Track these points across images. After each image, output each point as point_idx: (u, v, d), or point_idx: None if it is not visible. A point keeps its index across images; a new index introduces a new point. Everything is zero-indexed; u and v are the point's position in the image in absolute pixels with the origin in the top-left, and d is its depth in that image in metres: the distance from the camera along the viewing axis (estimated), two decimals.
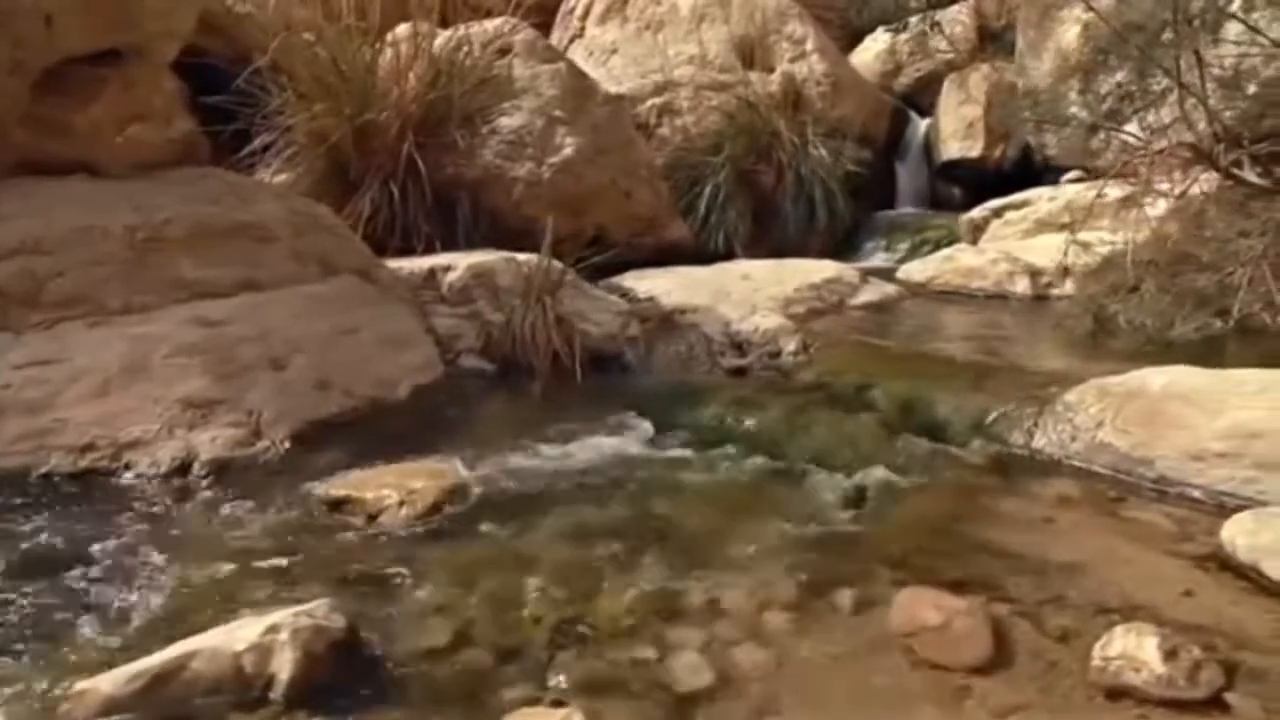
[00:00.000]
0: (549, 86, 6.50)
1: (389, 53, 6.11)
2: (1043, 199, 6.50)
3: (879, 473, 3.00)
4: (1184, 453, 2.72)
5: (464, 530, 2.65)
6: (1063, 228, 5.92)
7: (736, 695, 1.83)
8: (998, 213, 6.69)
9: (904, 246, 7.40)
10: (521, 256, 4.82)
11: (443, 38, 6.35)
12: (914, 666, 1.92)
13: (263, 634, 1.74)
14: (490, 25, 6.53)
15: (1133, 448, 2.84)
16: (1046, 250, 5.43)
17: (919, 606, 2.05)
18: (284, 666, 1.72)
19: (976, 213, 6.85)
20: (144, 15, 4.15)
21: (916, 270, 5.96)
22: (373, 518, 2.74)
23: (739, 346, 4.33)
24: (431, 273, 5.07)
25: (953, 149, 8.02)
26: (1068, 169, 6.92)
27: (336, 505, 2.80)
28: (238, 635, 1.76)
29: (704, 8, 8.21)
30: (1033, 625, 2.05)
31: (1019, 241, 6.27)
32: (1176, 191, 4.21)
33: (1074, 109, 4.60)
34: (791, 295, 4.94)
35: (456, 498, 2.85)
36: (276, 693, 1.72)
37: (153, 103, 5.86)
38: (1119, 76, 4.25)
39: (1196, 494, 2.67)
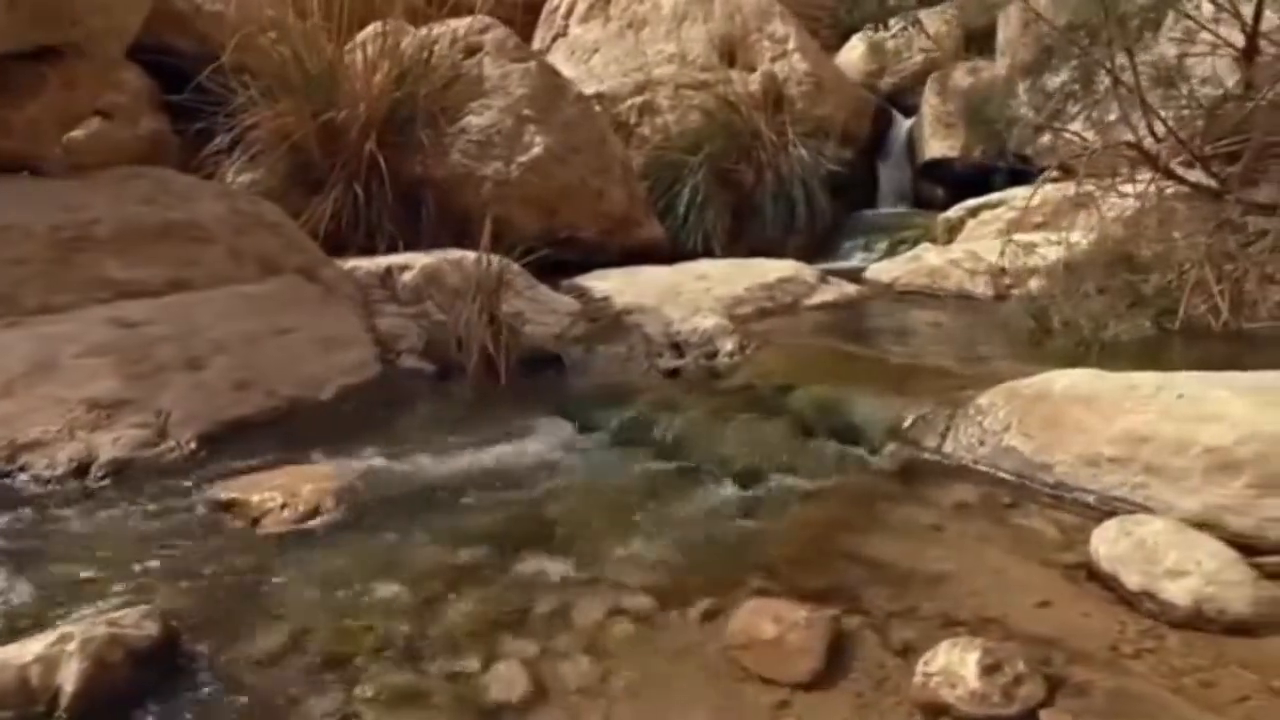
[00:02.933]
0: (519, 85, 6.46)
1: (357, 52, 6.09)
2: (1017, 199, 6.40)
3: (780, 478, 2.96)
4: (1080, 457, 2.66)
5: (341, 533, 2.62)
6: (1037, 227, 5.84)
7: (544, 709, 1.79)
8: (973, 212, 6.61)
9: (883, 246, 7.32)
10: (474, 256, 4.76)
11: (411, 37, 6.31)
12: (740, 680, 1.86)
13: (51, 645, 1.71)
14: (460, 24, 6.49)
15: (1034, 452, 2.78)
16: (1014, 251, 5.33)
17: (757, 618, 1.99)
18: (69, 679, 1.68)
19: (952, 212, 6.78)
20: (81, 11, 4.12)
21: (883, 270, 5.89)
22: (255, 521, 2.70)
23: (677, 347, 4.28)
24: (388, 272, 5.06)
25: (934, 148, 7.93)
26: (1046, 168, 6.81)
27: (222, 508, 2.77)
28: (28, 647, 1.72)
29: (686, 7, 8.16)
30: (878, 638, 1.99)
31: (992, 241, 6.18)
32: (1120, 192, 4.12)
33: (1022, 108, 4.52)
34: (742, 295, 4.88)
35: (343, 500, 2.81)
36: (62, 706, 1.67)
37: (115, 101, 5.91)
38: (1063, 76, 4.17)
39: (1091, 500, 2.60)
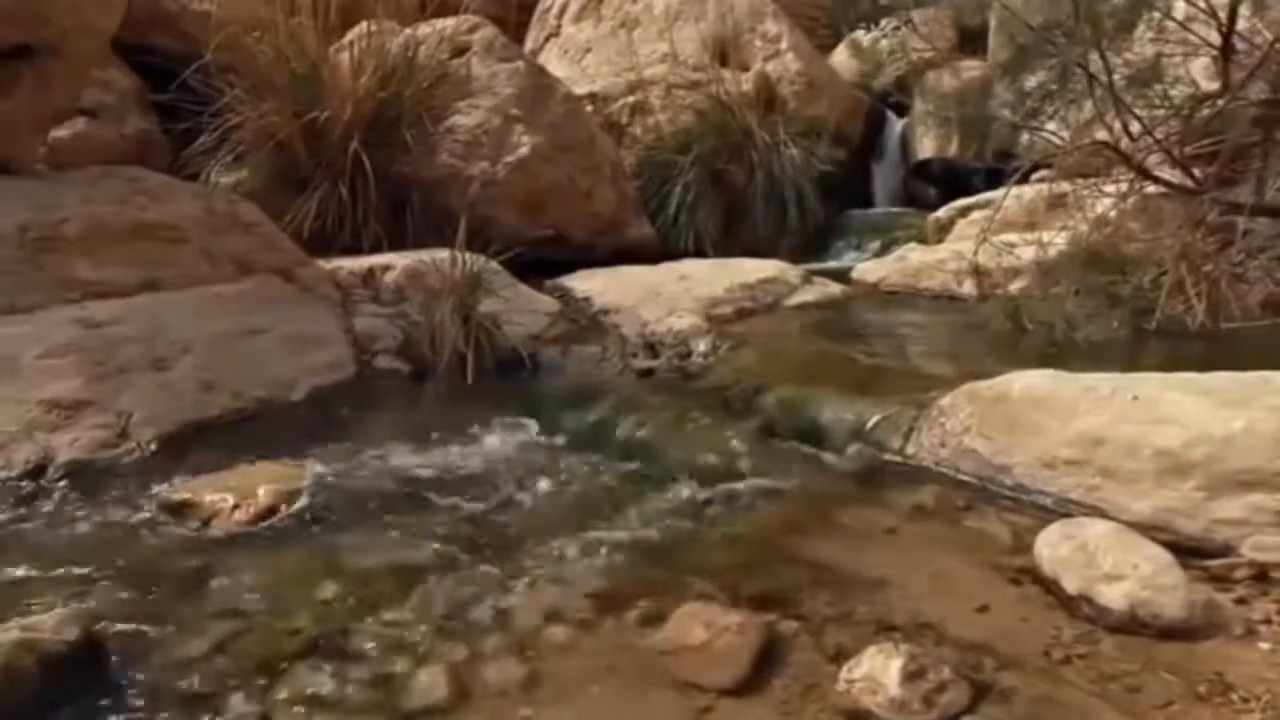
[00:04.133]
0: (507, 85, 6.44)
1: (344, 51, 6.08)
2: (1007, 198, 6.34)
3: (739, 481, 2.94)
4: (1037, 459, 2.63)
5: (290, 535, 2.60)
6: (1026, 227, 5.79)
7: (461, 714, 1.76)
8: (963, 212, 6.56)
9: (875, 246, 7.28)
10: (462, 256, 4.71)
11: (398, 36, 6.30)
12: (666, 687, 1.84)
13: None
14: (447, 23, 6.47)
15: (993, 454, 2.75)
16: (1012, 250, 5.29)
17: (689, 624, 1.97)
18: None
19: (943, 212, 6.74)
20: (52, 10, 4.11)
21: (869, 271, 5.86)
22: (206, 522, 2.69)
23: (651, 348, 4.25)
24: (371, 272, 5.04)
25: (927, 148, 7.89)
26: (1039, 168, 6.76)
27: (175, 509, 2.75)
28: None
29: (679, 6, 8.13)
30: (813, 643, 1.96)
31: (995, 240, 6.13)
32: (1102, 191, 4.09)
33: (1000, 108, 4.48)
34: (720, 296, 4.85)
35: (297, 502, 2.79)
36: None
37: (102, 100, 5.91)
38: (1040, 75, 4.13)
39: (1048, 502, 2.58)
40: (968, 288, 5.20)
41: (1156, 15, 3.90)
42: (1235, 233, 3.84)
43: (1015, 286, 5.06)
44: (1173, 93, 3.99)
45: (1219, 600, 1.97)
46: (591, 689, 1.85)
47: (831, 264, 7.04)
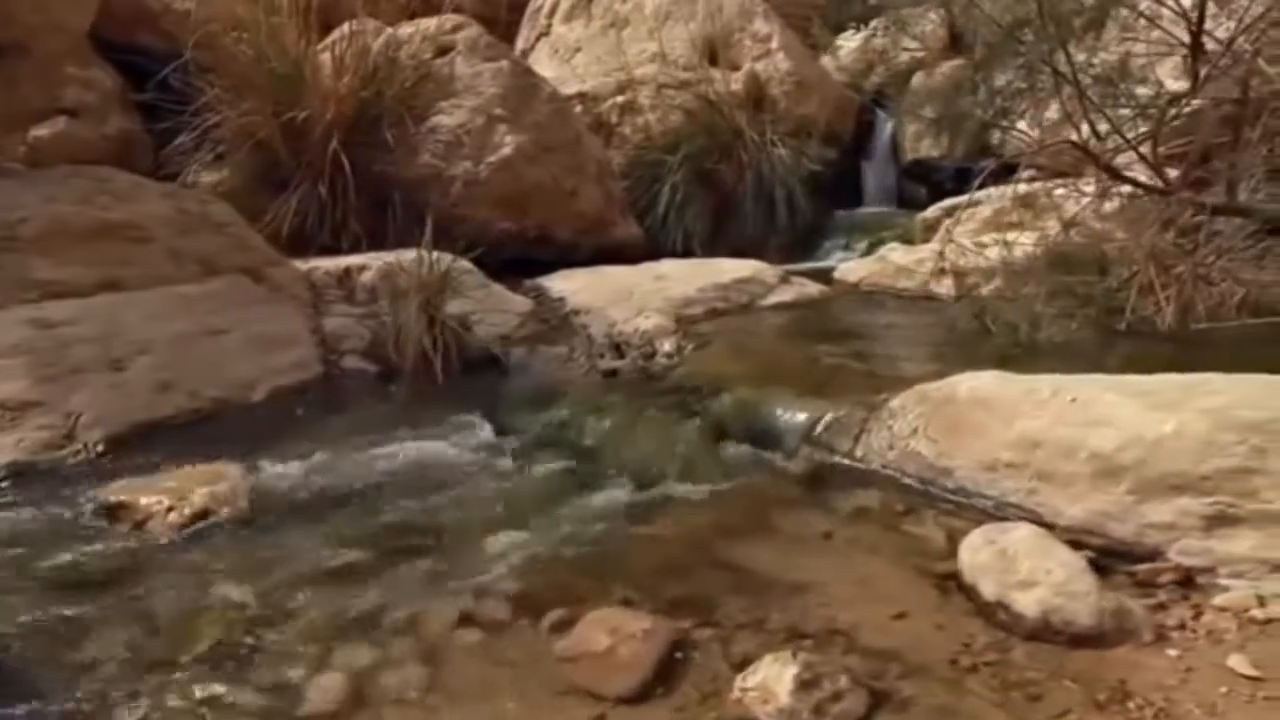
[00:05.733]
0: (491, 85, 6.41)
1: (326, 51, 6.06)
2: (992, 198, 6.29)
3: (683, 483, 2.92)
4: (978, 462, 2.59)
5: (222, 537, 2.59)
6: (1010, 226, 5.74)
7: None
8: (949, 212, 6.49)
9: (864, 245, 7.22)
10: (436, 256, 4.66)
11: (382, 36, 6.28)
12: (563, 694, 1.81)
13: None
14: (430, 23, 6.44)
15: (937, 457, 2.71)
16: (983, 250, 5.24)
17: (594, 630, 1.94)
18: None
19: (930, 212, 6.68)
20: (17, 8, 4.10)
21: (851, 270, 5.81)
22: (139, 525, 2.66)
23: (618, 348, 4.21)
24: (347, 272, 5.02)
25: (917, 147, 7.83)
26: (1011, 168, 6.70)
27: (110, 512, 2.73)
28: None
29: (669, 6, 8.08)
30: (721, 650, 1.93)
31: (965, 241, 6.08)
32: (1081, 190, 4.04)
33: (974, 107, 4.43)
34: (693, 296, 4.81)
35: (236, 504, 2.77)
36: None
37: (83, 100, 5.90)
38: (1009, 74, 4.08)
39: (989, 506, 2.53)
40: (946, 288, 5.14)
41: (1125, 14, 3.83)
42: (1204, 233, 3.78)
43: (991, 287, 5.01)
44: (1141, 92, 3.94)
45: (1130, 607, 1.93)
46: (489, 696, 1.82)
47: (819, 264, 6.99)
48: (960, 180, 6.88)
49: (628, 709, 1.75)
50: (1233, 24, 3.77)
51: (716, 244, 7.26)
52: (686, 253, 7.00)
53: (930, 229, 6.55)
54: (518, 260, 6.02)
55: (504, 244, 6.24)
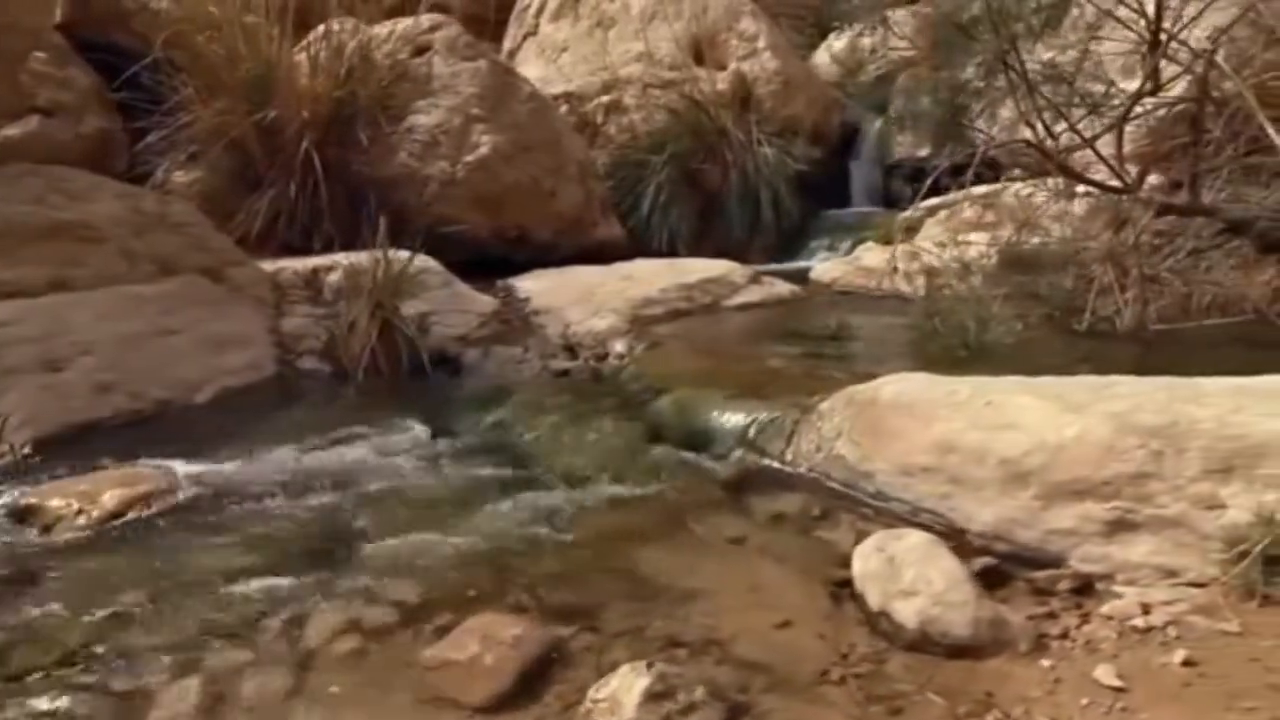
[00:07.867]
0: (469, 84, 6.37)
1: (301, 51, 6.04)
2: (974, 198, 6.21)
3: (608, 486, 2.87)
4: (897, 466, 2.53)
5: (124, 541, 2.55)
6: (990, 226, 5.67)
7: None
8: (931, 212, 6.43)
9: (848, 245, 7.16)
10: (392, 255, 4.62)
11: (358, 36, 6.25)
12: (425, 702, 1.77)
13: None
14: (407, 23, 6.42)
15: (859, 460, 2.65)
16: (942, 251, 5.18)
17: (465, 637, 1.89)
18: None
19: (911, 212, 6.59)
20: None
21: (826, 271, 5.76)
22: (48, 528, 2.63)
23: (571, 349, 4.17)
24: (314, 272, 4.99)
25: (902, 148, 7.76)
26: (1009, 167, 6.63)
27: (21, 514, 2.70)
28: None
29: (655, 6, 8.04)
30: (593, 659, 1.88)
31: (925, 243, 6.01)
32: (1025, 192, 3.98)
33: (934, 106, 4.37)
34: (655, 296, 4.76)
35: (149, 506, 2.74)
36: None
37: (58, 99, 5.89)
38: (968, 72, 4.02)
39: (905, 510, 2.48)
40: (915, 288, 5.07)
41: (1077, 12, 3.76)
42: (1166, 234, 3.72)
43: (965, 286, 4.95)
44: (1094, 89, 3.87)
45: (1007, 617, 1.87)
46: (350, 704, 1.78)
47: (801, 264, 6.94)
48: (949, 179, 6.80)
49: (484, 718, 1.70)
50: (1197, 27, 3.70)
51: (702, 244, 7.22)
52: (671, 253, 6.96)
53: (912, 229, 6.47)
54: (499, 260, 6.00)
55: (481, 244, 6.21)
